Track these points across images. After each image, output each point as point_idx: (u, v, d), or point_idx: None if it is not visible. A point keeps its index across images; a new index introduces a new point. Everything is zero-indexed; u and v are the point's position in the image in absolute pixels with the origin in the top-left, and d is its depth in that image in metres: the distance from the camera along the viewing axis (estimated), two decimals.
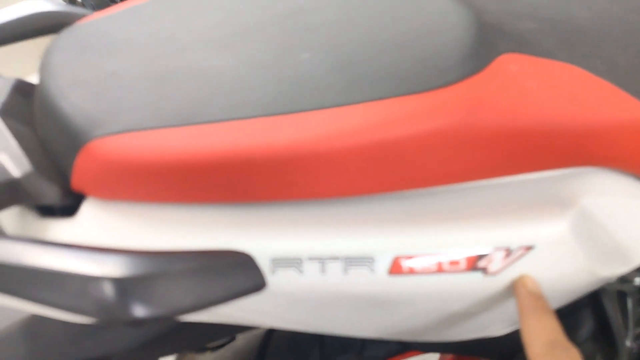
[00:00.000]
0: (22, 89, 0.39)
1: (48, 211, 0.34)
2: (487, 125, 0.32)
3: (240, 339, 0.61)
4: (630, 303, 0.65)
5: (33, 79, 0.41)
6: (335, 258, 0.32)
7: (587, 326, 0.69)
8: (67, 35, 0.40)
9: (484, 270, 0.33)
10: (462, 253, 0.32)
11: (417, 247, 0.32)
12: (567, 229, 0.35)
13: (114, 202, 0.33)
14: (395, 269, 0.32)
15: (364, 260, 0.32)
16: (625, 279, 0.63)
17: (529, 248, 0.33)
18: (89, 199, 0.33)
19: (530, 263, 0.33)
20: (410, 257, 0.32)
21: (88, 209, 0.33)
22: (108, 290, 0.26)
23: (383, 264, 0.32)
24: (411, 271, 0.32)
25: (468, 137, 0.32)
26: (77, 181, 0.33)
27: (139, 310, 0.27)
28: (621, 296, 0.65)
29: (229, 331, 0.47)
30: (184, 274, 0.28)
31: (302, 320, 0.35)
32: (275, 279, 0.31)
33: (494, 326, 0.41)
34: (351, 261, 0.32)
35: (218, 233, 0.31)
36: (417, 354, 0.68)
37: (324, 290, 0.33)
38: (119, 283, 0.26)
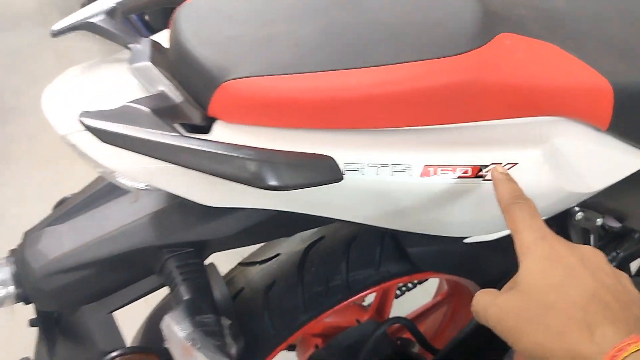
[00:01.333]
0: (157, 47, 0.55)
1: (191, 129, 0.50)
2: (491, 81, 0.49)
3: (284, 255, 0.78)
4: (592, 238, 0.83)
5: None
6: (385, 165, 0.48)
7: None
8: (188, 9, 0.56)
9: (483, 177, 0.50)
10: (469, 164, 0.49)
11: (440, 160, 0.49)
12: (541, 155, 0.52)
13: (237, 125, 0.49)
14: (425, 173, 0.49)
15: (405, 167, 0.48)
16: (588, 219, 0.80)
17: (514, 164, 0.50)
18: (219, 122, 0.49)
19: (515, 174, 0.50)
20: (435, 166, 0.49)
21: (219, 128, 0.49)
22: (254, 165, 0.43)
23: (417, 170, 0.49)
24: (435, 174, 0.49)
25: (478, 89, 0.49)
26: (213, 110, 0.48)
27: (272, 181, 0.43)
28: (585, 232, 0.82)
29: (309, 224, 0.62)
30: (296, 163, 0.45)
31: (361, 213, 0.52)
32: (347, 177, 0.48)
33: (489, 228, 0.58)
34: (396, 167, 0.48)
35: (314, 144, 0.47)
36: (423, 276, 0.84)
37: (378, 187, 0.49)
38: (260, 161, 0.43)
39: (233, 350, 0.53)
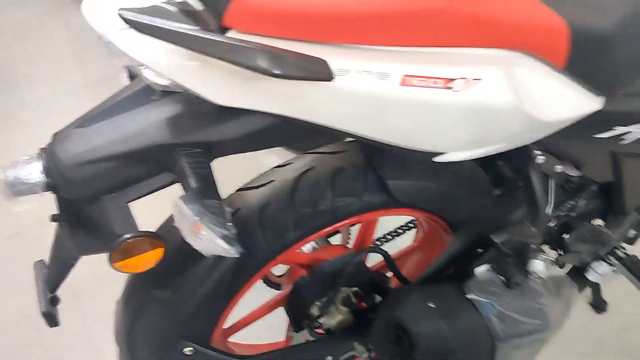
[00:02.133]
0: None
1: None
2: (459, 10, 0.59)
3: (278, 181, 0.87)
4: (552, 183, 0.93)
5: None
6: (370, 72, 0.58)
7: (522, 203, 0.96)
8: None
9: (452, 88, 0.59)
10: (441, 77, 0.59)
11: (417, 71, 0.58)
12: (502, 76, 0.62)
13: (247, 34, 0.58)
14: (403, 82, 0.58)
15: (386, 75, 0.58)
16: (548, 164, 0.89)
17: (478, 80, 0.60)
18: (232, 31, 0.58)
19: (478, 90, 0.59)
20: (412, 76, 0.58)
21: (233, 35, 0.58)
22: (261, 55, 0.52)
23: (396, 79, 0.58)
24: (412, 84, 0.58)
25: (448, 16, 0.58)
26: (227, 20, 0.58)
27: (275, 69, 0.53)
28: (545, 178, 0.92)
29: (306, 136, 0.71)
30: (296, 58, 0.54)
31: (349, 120, 0.62)
32: (338, 80, 0.57)
33: (457, 143, 0.67)
34: (379, 75, 0.58)
35: (312, 52, 0.57)
36: (402, 211, 0.94)
37: (362, 93, 0.59)
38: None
39: (233, 230, 0.62)
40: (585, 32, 0.67)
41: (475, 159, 0.91)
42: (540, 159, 0.87)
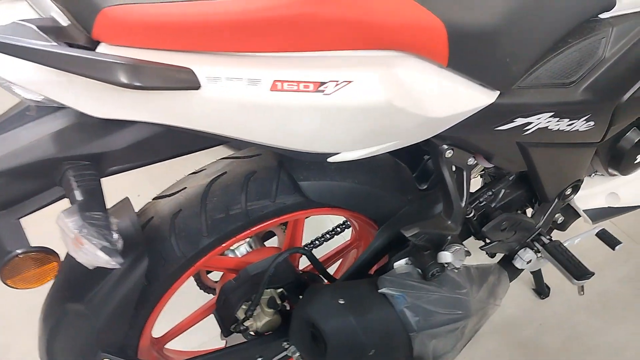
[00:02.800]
0: None
1: None
2: (324, 15, 0.59)
3: (190, 188, 0.88)
4: (465, 176, 0.94)
5: None
6: (240, 79, 0.58)
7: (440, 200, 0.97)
8: None
9: (323, 92, 0.60)
10: (311, 81, 0.60)
11: (287, 76, 0.59)
12: (377, 78, 0.63)
13: (118, 46, 0.58)
14: (274, 87, 0.59)
15: (256, 81, 0.59)
16: (459, 157, 0.91)
17: (348, 82, 0.61)
18: (102, 44, 0.58)
19: (349, 90, 0.60)
20: (283, 81, 0.59)
21: (102, 49, 0.58)
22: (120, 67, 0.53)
23: (267, 84, 0.59)
24: (283, 89, 0.59)
25: (313, 21, 0.59)
26: (96, 33, 0.58)
27: (136, 80, 0.53)
28: (460, 172, 0.94)
29: (193, 143, 0.72)
30: (158, 69, 0.55)
31: (227, 124, 0.62)
32: (208, 88, 0.58)
33: (344, 143, 0.68)
34: (249, 81, 0.59)
35: (181, 59, 0.57)
36: (322, 211, 0.94)
37: (234, 99, 0.59)
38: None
39: (119, 243, 0.63)
40: (463, 30, 0.69)
41: (401, 154, 0.93)
42: (449, 152, 0.88)
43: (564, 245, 1.12)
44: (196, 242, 0.85)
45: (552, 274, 1.44)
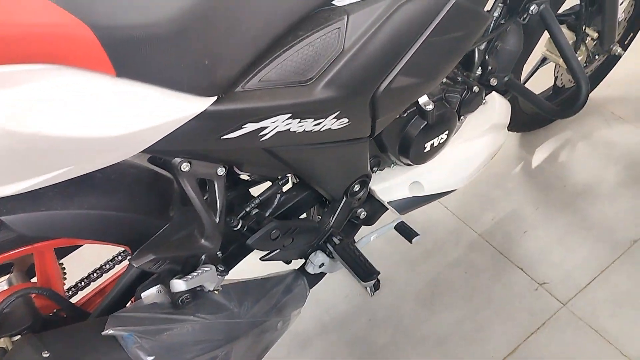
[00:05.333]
0: None
1: None
2: None
3: None
4: (216, 187, 0.85)
5: None
6: None
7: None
8: None
9: None
10: None
11: None
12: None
13: None
14: None
15: None
16: (204, 169, 0.81)
17: None
18: None
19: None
20: None
21: None
22: None
23: None
24: None
25: None
26: None
27: None
28: (210, 183, 0.85)
29: None
30: None
31: None
32: None
33: None
34: None
35: None
36: (62, 242, 0.82)
37: None
38: None
39: None
40: (120, 34, 0.59)
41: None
42: (185, 166, 0.79)
43: (355, 244, 1.07)
44: None
45: (382, 263, 1.40)
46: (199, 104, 0.69)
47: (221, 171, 0.84)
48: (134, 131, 0.64)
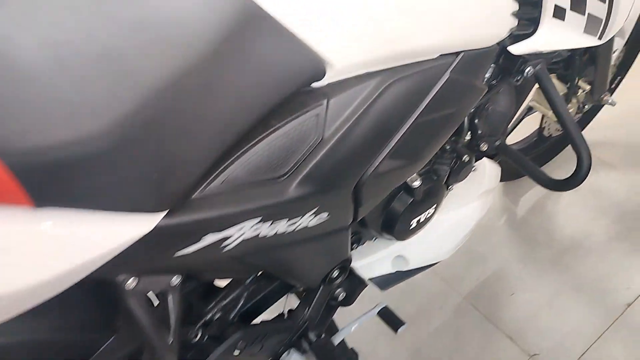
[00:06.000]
0: None
1: None
2: None
3: None
4: (171, 300, 0.71)
5: None
6: None
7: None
8: None
9: None
10: None
11: None
12: None
13: None
14: None
15: None
16: (155, 286, 0.67)
17: None
18: None
19: None
20: None
21: None
22: None
23: None
24: None
25: None
26: None
27: None
28: (162, 297, 0.71)
29: None
30: None
31: None
32: None
33: None
34: None
35: None
36: None
37: None
38: None
39: None
40: (34, 159, 0.45)
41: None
42: (133, 282, 0.65)
43: (332, 338, 0.94)
44: None
45: (362, 335, 1.28)
46: (146, 223, 0.55)
47: (176, 280, 0.70)
48: (58, 273, 0.50)
